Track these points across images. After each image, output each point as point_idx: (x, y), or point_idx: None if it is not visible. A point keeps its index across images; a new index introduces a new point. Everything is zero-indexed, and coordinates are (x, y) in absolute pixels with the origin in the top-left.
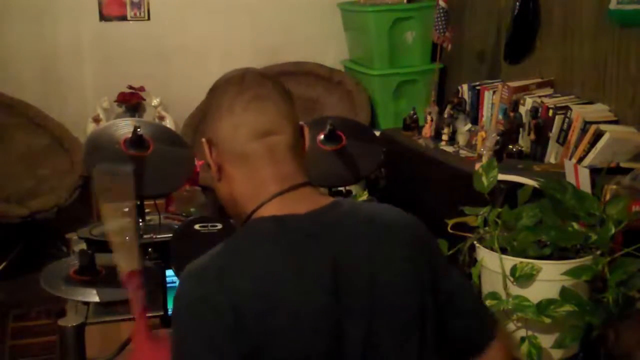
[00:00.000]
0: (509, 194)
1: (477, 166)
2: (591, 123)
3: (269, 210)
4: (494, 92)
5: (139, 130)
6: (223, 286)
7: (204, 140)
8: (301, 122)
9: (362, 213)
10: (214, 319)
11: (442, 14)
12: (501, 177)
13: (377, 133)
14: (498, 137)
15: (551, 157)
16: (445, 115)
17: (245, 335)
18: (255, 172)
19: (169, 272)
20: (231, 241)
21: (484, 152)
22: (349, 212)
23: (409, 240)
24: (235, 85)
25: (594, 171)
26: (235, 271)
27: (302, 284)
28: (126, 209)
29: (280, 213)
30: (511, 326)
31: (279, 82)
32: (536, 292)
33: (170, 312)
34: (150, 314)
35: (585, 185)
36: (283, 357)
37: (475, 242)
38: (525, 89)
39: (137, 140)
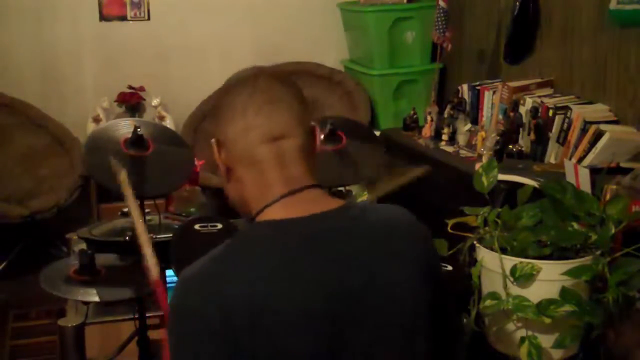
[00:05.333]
0: (509, 194)
1: (477, 166)
2: (591, 123)
3: (272, 214)
4: (494, 92)
5: (139, 130)
6: (213, 294)
7: (213, 140)
8: (312, 122)
9: (371, 217)
10: (202, 327)
11: (442, 14)
12: (501, 177)
13: (377, 133)
14: (498, 137)
15: (551, 157)
16: (445, 115)
17: (234, 343)
18: (262, 175)
19: (169, 272)
20: (228, 246)
21: (484, 152)
22: (357, 216)
23: (417, 246)
24: (249, 87)
25: (594, 171)
26: (227, 278)
27: (296, 289)
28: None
29: (282, 216)
30: (511, 326)
31: (293, 83)
32: (536, 292)
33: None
34: (149, 314)
35: (585, 185)
36: None
37: (475, 242)
38: (525, 89)
39: (137, 140)
